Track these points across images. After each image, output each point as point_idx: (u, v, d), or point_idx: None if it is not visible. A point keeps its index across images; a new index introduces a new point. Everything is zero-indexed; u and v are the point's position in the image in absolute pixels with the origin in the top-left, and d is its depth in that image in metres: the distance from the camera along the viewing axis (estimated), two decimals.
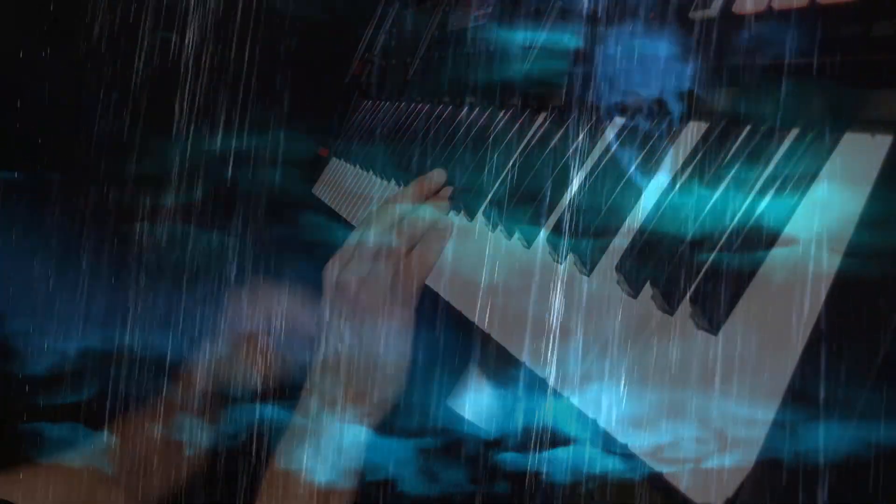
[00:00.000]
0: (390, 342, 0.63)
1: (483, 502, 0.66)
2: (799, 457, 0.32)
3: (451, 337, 0.64)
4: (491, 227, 0.63)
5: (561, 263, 0.53)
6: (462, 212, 0.68)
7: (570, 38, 0.60)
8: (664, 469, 0.37)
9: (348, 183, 0.98)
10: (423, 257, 0.66)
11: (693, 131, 0.50)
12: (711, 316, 0.39)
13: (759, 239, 0.39)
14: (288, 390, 0.77)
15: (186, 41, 0.88)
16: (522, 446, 0.56)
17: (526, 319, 0.52)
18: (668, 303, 0.42)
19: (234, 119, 0.94)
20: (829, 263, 0.35)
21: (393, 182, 0.85)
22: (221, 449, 0.77)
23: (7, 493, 0.66)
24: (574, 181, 0.58)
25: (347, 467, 0.61)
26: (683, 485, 0.36)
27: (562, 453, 0.48)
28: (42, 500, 0.66)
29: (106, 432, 0.74)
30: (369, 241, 0.66)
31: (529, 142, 0.66)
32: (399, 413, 0.66)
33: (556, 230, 0.55)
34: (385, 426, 0.64)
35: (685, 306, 0.41)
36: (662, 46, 0.50)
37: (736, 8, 0.44)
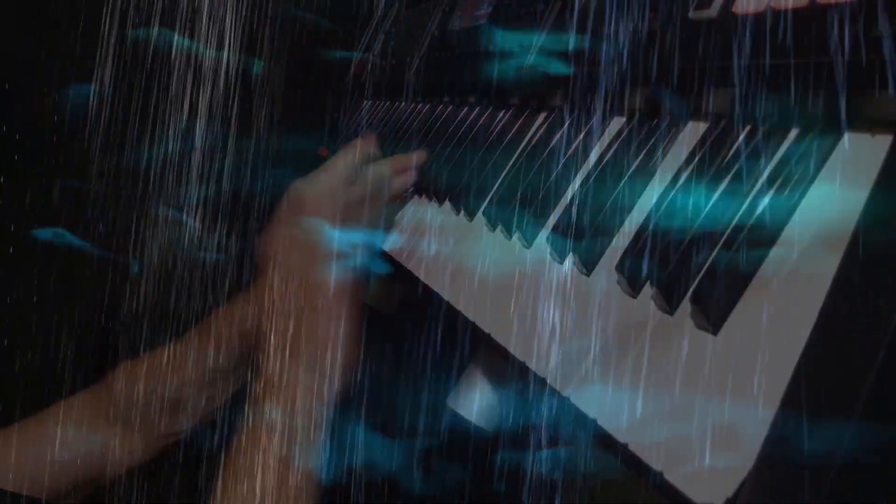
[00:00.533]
0: (340, 309, 0.63)
1: (483, 502, 0.66)
2: (799, 457, 0.32)
3: (451, 336, 0.64)
4: (491, 227, 0.63)
5: (561, 264, 0.53)
6: (462, 212, 0.68)
7: (570, 38, 0.60)
8: (664, 469, 0.37)
9: None
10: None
11: (693, 131, 0.50)
12: (711, 316, 0.39)
13: (759, 239, 0.39)
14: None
15: (186, 42, 0.88)
16: (522, 446, 0.56)
17: (526, 319, 0.52)
18: (668, 303, 0.42)
19: (234, 120, 0.94)
20: (829, 263, 0.35)
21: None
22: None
23: (16, 447, 0.66)
24: (574, 181, 0.58)
25: (309, 444, 0.60)
26: (683, 485, 0.36)
27: (562, 453, 0.48)
28: (42, 452, 0.67)
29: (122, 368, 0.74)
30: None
31: (529, 142, 0.66)
32: (399, 413, 0.66)
33: (557, 230, 0.55)
34: (385, 426, 0.64)
35: (685, 306, 0.41)
36: (662, 46, 0.50)
37: (736, 8, 0.44)
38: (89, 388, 0.74)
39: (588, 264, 0.50)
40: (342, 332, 0.63)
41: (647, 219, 0.48)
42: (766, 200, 0.40)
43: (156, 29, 0.91)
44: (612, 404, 0.42)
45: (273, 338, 0.63)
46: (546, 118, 0.66)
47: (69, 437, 0.69)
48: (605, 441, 0.41)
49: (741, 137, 0.45)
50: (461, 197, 0.69)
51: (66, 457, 0.68)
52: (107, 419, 0.72)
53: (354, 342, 0.64)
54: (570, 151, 0.59)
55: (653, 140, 0.52)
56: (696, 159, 0.47)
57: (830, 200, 0.38)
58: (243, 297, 0.76)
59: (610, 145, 0.56)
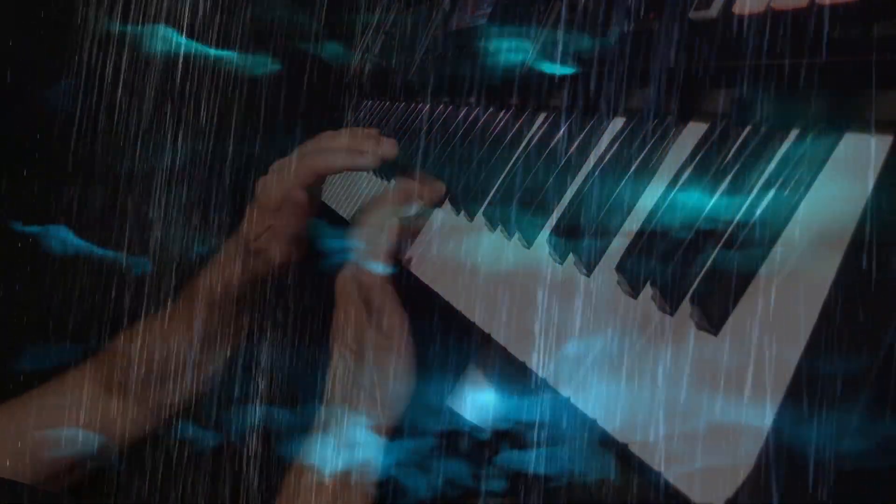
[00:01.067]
0: (396, 346, 0.64)
1: (483, 502, 0.66)
2: (799, 457, 0.32)
3: (451, 337, 0.64)
4: (491, 227, 0.63)
5: (561, 264, 0.53)
6: (462, 212, 0.68)
7: (570, 38, 0.60)
8: (664, 469, 0.37)
9: (348, 183, 0.98)
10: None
11: (693, 131, 0.50)
12: (712, 316, 0.39)
13: (760, 239, 0.39)
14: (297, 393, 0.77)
15: (186, 41, 0.88)
16: (522, 446, 0.56)
17: (526, 320, 0.52)
18: (669, 303, 0.42)
19: (235, 120, 0.94)
20: (830, 263, 0.35)
21: (392, 182, 0.85)
22: (235, 447, 0.77)
23: (17, 418, 0.67)
24: (574, 181, 0.58)
25: (365, 466, 0.61)
26: (683, 485, 0.36)
27: (561, 453, 0.48)
28: (49, 420, 0.67)
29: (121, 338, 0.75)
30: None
31: (529, 142, 0.66)
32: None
33: (557, 230, 0.55)
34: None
35: (685, 306, 0.41)
36: (662, 46, 0.50)
37: (736, 8, 0.44)
38: (89, 358, 0.75)
39: (588, 264, 0.50)
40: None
41: (648, 219, 0.47)
42: (766, 200, 0.40)
43: (155, 28, 0.91)
44: (612, 404, 0.42)
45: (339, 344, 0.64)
46: (546, 118, 0.66)
47: (71, 407, 0.70)
48: (604, 441, 0.41)
49: (741, 137, 0.45)
50: (461, 197, 0.69)
51: (69, 427, 0.69)
52: (107, 389, 0.73)
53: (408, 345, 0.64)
54: (571, 151, 0.59)
55: (653, 140, 0.52)
56: (697, 159, 0.47)
57: (830, 200, 0.38)
58: (211, 265, 0.77)
59: (610, 145, 0.56)
